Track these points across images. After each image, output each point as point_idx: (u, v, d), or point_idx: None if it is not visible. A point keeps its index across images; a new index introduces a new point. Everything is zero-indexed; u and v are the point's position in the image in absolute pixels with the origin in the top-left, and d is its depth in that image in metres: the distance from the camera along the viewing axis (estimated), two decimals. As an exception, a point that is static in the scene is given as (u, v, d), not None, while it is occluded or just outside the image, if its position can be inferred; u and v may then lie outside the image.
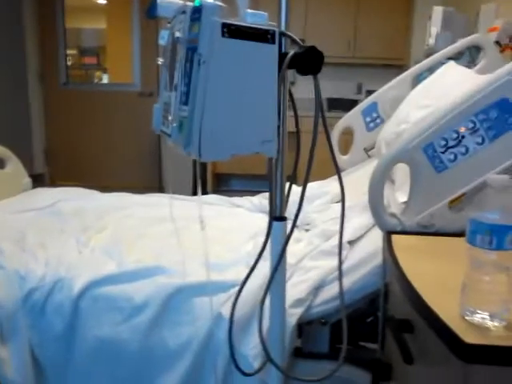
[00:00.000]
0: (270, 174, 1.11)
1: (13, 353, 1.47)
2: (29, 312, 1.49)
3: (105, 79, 6.29)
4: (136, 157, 5.65)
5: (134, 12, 5.44)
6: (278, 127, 1.07)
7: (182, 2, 1.10)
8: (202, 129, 0.96)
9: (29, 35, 5.45)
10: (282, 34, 1.04)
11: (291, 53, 1.03)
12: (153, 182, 5.48)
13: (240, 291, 1.17)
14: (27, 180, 2.55)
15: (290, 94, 1.16)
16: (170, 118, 1.09)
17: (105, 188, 2.57)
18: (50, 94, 5.65)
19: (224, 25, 0.94)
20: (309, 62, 1.03)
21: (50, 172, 5.82)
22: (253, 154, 1.06)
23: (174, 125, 1.04)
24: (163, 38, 1.20)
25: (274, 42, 0.99)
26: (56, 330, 1.47)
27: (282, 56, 1.03)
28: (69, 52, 5.82)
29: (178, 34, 1.04)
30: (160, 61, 1.24)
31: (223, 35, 0.94)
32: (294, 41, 1.05)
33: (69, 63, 5.83)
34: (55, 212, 2.09)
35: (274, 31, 0.99)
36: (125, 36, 5.56)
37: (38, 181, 5.20)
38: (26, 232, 1.83)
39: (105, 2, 6.30)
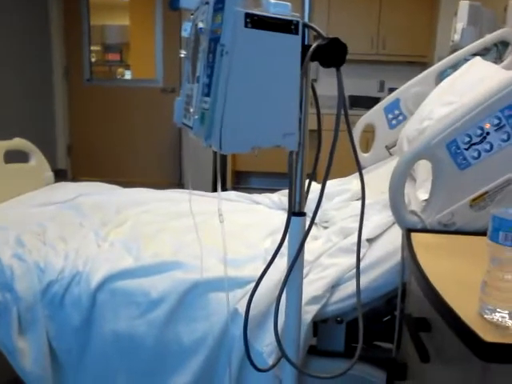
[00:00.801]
0: (290, 168, 1.10)
1: (31, 344, 1.48)
2: (48, 304, 1.50)
3: (127, 75, 6.34)
4: (157, 153, 5.69)
5: (156, 9, 5.47)
6: (300, 120, 1.06)
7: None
8: (223, 120, 0.95)
9: (54, 32, 5.54)
10: (305, 26, 1.03)
11: (314, 44, 1.02)
12: (173, 179, 5.52)
13: (256, 287, 1.17)
14: (50, 174, 2.57)
15: (313, 89, 1.15)
16: (191, 110, 1.09)
17: (126, 184, 2.58)
18: (74, 89, 5.73)
19: (247, 15, 0.93)
20: (332, 53, 1.01)
21: (72, 167, 5.89)
22: (272, 151, 1.06)
23: (196, 117, 1.04)
24: (186, 30, 1.20)
25: (297, 33, 0.98)
26: (74, 323, 1.48)
27: (305, 48, 1.02)
28: (93, 48, 5.89)
29: (200, 25, 1.04)
30: (183, 53, 1.23)
31: (246, 25, 0.93)
32: (317, 32, 1.04)
33: (93, 60, 5.89)
34: (76, 206, 2.10)
35: (298, 22, 0.98)
36: (148, 33, 5.60)
37: (60, 176, 5.26)
38: (47, 225, 1.84)
39: (128, -2, 6.35)
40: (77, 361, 1.50)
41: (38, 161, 2.49)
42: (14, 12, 4.87)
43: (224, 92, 0.94)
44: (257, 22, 0.94)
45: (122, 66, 6.44)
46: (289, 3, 0.99)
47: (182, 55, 1.22)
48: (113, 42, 6.47)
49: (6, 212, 2.06)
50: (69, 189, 2.39)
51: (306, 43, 1.04)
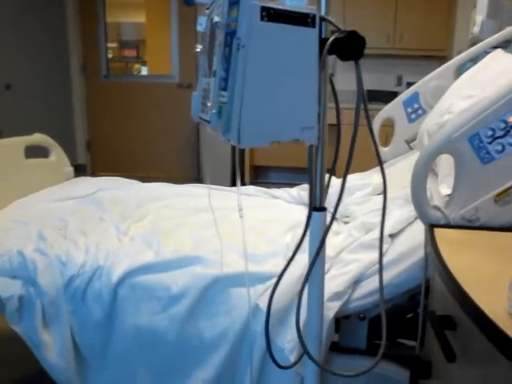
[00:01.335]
0: (309, 163, 1.08)
1: (55, 338, 1.50)
2: (70, 299, 1.51)
3: (144, 71, 6.37)
4: (175, 148, 5.71)
5: (172, 5, 5.48)
6: (318, 114, 1.04)
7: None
8: (241, 114, 0.94)
9: (71, 30, 5.59)
10: (321, 19, 1.01)
11: (332, 37, 1.00)
12: (191, 173, 5.53)
13: (277, 283, 1.15)
14: (69, 169, 2.59)
15: (331, 82, 1.13)
16: (208, 104, 1.07)
17: (144, 179, 2.59)
18: (92, 86, 5.77)
19: (263, 8, 0.91)
20: (350, 46, 1.00)
21: (91, 163, 5.94)
22: (290, 146, 1.04)
23: (213, 111, 1.02)
24: (201, 25, 1.18)
25: (314, 26, 0.96)
26: (95, 317, 1.49)
27: (322, 42, 1.00)
28: (109, 45, 5.92)
29: (216, 19, 1.02)
30: (198, 47, 1.22)
31: (262, 19, 0.92)
32: (334, 25, 1.02)
33: (109, 56, 5.93)
34: (96, 201, 2.11)
35: (314, 15, 0.96)
36: (163, 29, 5.61)
37: (79, 171, 5.31)
38: (68, 220, 1.85)
39: (144, -5, 6.36)
40: (99, 355, 1.51)
41: (57, 156, 2.50)
42: (32, 10, 4.91)
43: (241, 86, 0.93)
44: (273, 15, 0.93)
45: (139, 62, 6.47)
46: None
47: (198, 50, 1.21)
48: (129, 39, 6.49)
49: (27, 207, 2.08)
50: (88, 183, 2.40)
51: (322, 37, 1.02)
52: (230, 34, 0.96)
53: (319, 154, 1.10)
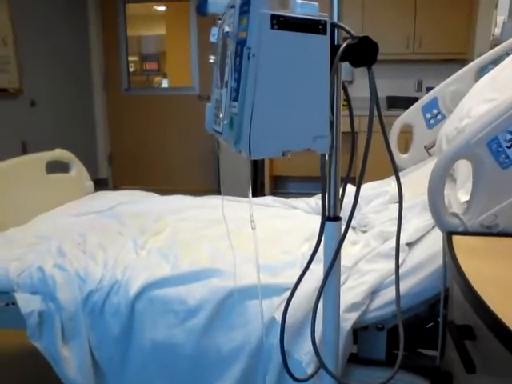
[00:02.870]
0: (322, 172, 1.07)
1: (74, 353, 1.50)
2: (88, 314, 1.52)
3: (165, 84, 6.43)
4: (196, 160, 5.74)
5: (191, 17, 5.53)
6: (332, 122, 1.03)
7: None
8: (252, 125, 0.93)
9: (93, 45, 5.70)
10: (333, 26, 1.00)
11: (344, 44, 0.99)
12: (212, 185, 5.55)
13: (292, 295, 1.14)
14: (90, 183, 2.62)
15: (344, 89, 1.11)
16: (221, 115, 1.07)
17: (166, 191, 2.60)
18: (113, 99, 5.85)
19: (273, 16, 0.91)
20: (363, 53, 0.98)
21: (113, 176, 6.00)
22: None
23: (225, 122, 1.02)
24: (214, 35, 1.18)
25: (325, 33, 0.95)
26: (114, 332, 1.49)
27: (334, 48, 0.99)
28: (131, 59, 6.00)
29: (227, 29, 1.02)
30: (212, 58, 1.22)
31: (272, 27, 0.91)
32: (346, 32, 1.01)
33: (131, 69, 6.01)
34: (115, 215, 2.13)
35: (326, 21, 0.95)
36: (183, 41, 5.67)
37: (101, 185, 5.40)
38: (87, 235, 1.87)
39: (164, 9, 6.44)
40: (118, 370, 1.51)
41: (78, 171, 2.54)
42: (55, 26, 5.02)
43: (252, 96, 0.92)
44: (283, 23, 0.92)
45: (160, 75, 6.54)
46: (316, 3, 0.97)
47: (212, 60, 1.21)
48: (150, 52, 6.58)
49: (48, 222, 2.10)
50: (108, 198, 2.43)
51: (336, 43, 1.02)
52: (241, 44, 0.96)
53: (333, 162, 1.08)
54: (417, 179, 1.93)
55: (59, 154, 2.47)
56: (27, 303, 1.52)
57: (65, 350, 1.50)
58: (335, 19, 1.05)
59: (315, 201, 2.20)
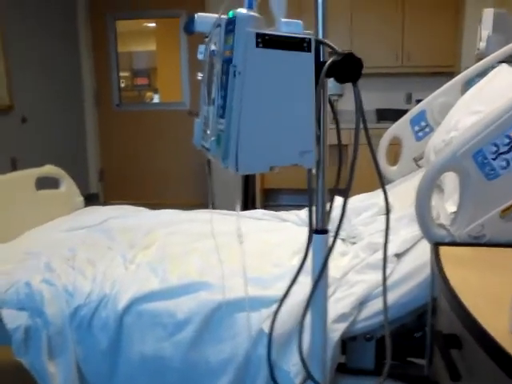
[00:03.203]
0: (309, 186, 1.09)
1: (61, 368, 1.50)
2: (76, 328, 1.52)
3: (156, 99, 6.46)
4: (187, 174, 5.75)
5: (181, 34, 5.58)
6: (318, 137, 1.05)
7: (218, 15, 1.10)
8: (238, 141, 0.95)
9: (84, 61, 5.72)
10: (319, 42, 1.02)
11: (329, 61, 1.01)
12: (203, 199, 5.55)
13: (279, 306, 1.15)
14: (80, 199, 2.62)
15: (331, 104, 1.13)
16: (208, 132, 1.09)
17: (157, 206, 2.60)
18: (105, 115, 5.87)
19: (258, 35, 0.93)
20: (347, 69, 1.00)
21: (104, 191, 6.00)
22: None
23: (213, 138, 1.04)
24: (201, 53, 1.20)
25: (310, 51, 0.97)
26: (102, 346, 1.49)
27: (320, 65, 1.01)
28: (122, 74, 6.03)
29: (213, 47, 1.04)
30: (199, 76, 1.24)
31: (257, 45, 0.93)
32: (331, 48, 1.03)
33: (122, 85, 6.03)
34: (104, 230, 2.13)
35: (310, 39, 0.97)
36: (174, 57, 5.71)
37: (92, 200, 5.39)
38: (77, 250, 1.87)
39: (154, 25, 6.49)
40: (107, 383, 1.50)
41: (68, 186, 2.54)
42: (46, 43, 5.03)
43: (238, 113, 0.94)
44: (268, 41, 0.94)
45: (151, 90, 6.57)
46: (300, 21, 0.99)
47: (199, 78, 1.23)
48: (141, 68, 6.61)
49: (38, 237, 2.10)
50: (98, 213, 2.43)
51: (321, 59, 1.03)
52: (227, 62, 0.98)
53: (320, 176, 1.10)
54: (405, 191, 1.95)
55: (49, 169, 2.47)
56: (13, 319, 1.52)
57: (51, 366, 1.50)
58: (320, 36, 1.07)
59: (306, 213, 2.21)
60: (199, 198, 5.59)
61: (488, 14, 2.77)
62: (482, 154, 1.22)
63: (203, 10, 4.90)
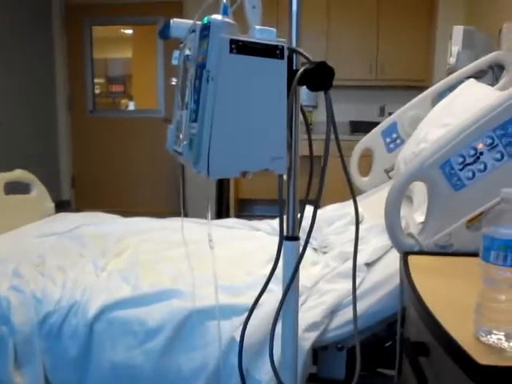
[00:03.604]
0: (279, 192, 1.09)
1: (27, 378, 1.46)
2: (45, 336, 1.49)
3: (131, 106, 6.42)
4: (161, 182, 5.71)
5: (158, 41, 5.56)
6: (290, 144, 1.05)
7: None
8: (210, 145, 0.95)
9: (58, 66, 5.67)
10: (292, 51, 1.03)
11: (302, 69, 1.02)
12: (177, 207, 5.51)
13: (250, 314, 1.15)
14: (51, 205, 2.58)
15: (303, 113, 1.14)
16: (181, 136, 1.09)
17: (130, 214, 2.57)
18: (78, 121, 5.81)
19: (232, 41, 0.93)
20: (319, 77, 1.01)
21: (76, 198, 5.92)
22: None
23: (185, 142, 1.04)
24: (176, 59, 1.20)
25: (282, 58, 0.98)
26: (71, 354, 1.46)
27: (293, 73, 1.02)
28: (97, 81, 5.98)
29: (187, 52, 1.05)
30: (173, 81, 1.24)
31: (231, 51, 0.94)
32: (304, 57, 1.04)
33: (97, 91, 5.98)
34: (75, 236, 2.10)
35: (283, 46, 0.98)
36: (150, 64, 5.69)
37: (64, 207, 5.31)
38: (46, 256, 1.84)
39: (131, 31, 6.46)
40: None
41: (38, 192, 2.50)
42: (19, 46, 4.97)
43: (210, 117, 0.94)
44: (241, 47, 0.94)
45: (126, 97, 6.52)
46: (274, 29, 1.00)
47: (173, 83, 1.23)
48: (116, 74, 6.57)
49: (6, 243, 2.06)
50: (69, 219, 2.39)
51: (294, 68, 1.04)
52: (201, 67, 0.98)
53: (291, 182, 1.11)
54: (376, 201, 1.97)
55: (19, 174, 2.43)
56: None
57: (17, 376, 1.46)
58: (294, 44, 1.08)
59: (278, 222, 2.21)
60: (173, 206, 5.56)
61: (458, 30, 2.85)
62: (450, 164, 1.24)
63: (181, 17, 4.89)
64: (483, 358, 0.72)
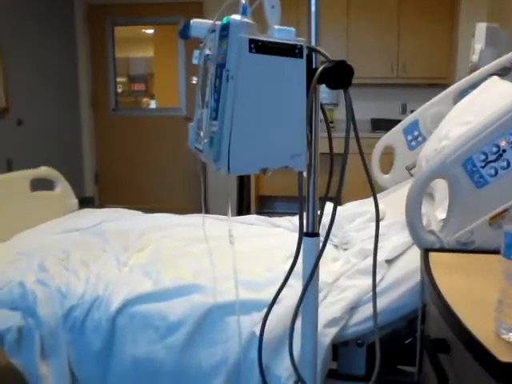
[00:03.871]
0: (299, 189, 1.10)
1: (53, 369, 1.50)
2: (69, 329, 1.52)
3: (152, 105, 6.48)
4: (182, 179, 5.75)
5: (179, 40, 5.60)
6: (310, 141, 1.06)
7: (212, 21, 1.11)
8: (230, 143, 0.96)
9: (81, 65, 5.74)
10: (311, 50, 1.04)
11: (321, 67, 1.02)
12: (198, 204, 5.54)
13: (269, 310, 1.16)
14: (74, 201, 2.62)
15: (323, 110, 1.15)
16: (201, 134, 1.10)
17: (152, 210, 2.60)
18: (100, 119, 5.88)
19: (251, 41, 0.95)
20: (339, 76, 1.02)
21: (99, 195, 6.00)
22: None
23: (205, 140, 1.05)
24: (196, 58, 1.22)
25: (301, 57, 0.99)
26: (94, 348, 1.49)
27: (313, 71, 1.03)
28: (119, 80, 6.05)
29: (207, 52, 1.06)
30: (194, 80, 1.26)
31: (250, 51, 0.95)
32: (323, 55, 1.05)
33: (119, 90, 6.05)
34: (98, 232, 2.13)
35: (302, 46, 0.99)
36: (171, 63, 5.73)
37: (87, 203, 5.38)
38: (70, 251, 1.87)
39: (152, 31, 6.52)
40: None
41: (63, 188, 2.54)
42: (44, 46, 5.06)
43: (230, 115, 0.95)
44: (261, 47, 0.96)
45: (147, 96, 6.59)
46: (293, 28, 1.01)
47: (194, 82, 1.24)
48: (138, 73, 6.64)
49: (32, 238, 2.10)
50: (92, 215, 2.43)
51: (314, 66, 1.05)
52: (221, 66, 0.99)
53: (311, 179, 1.11)
54: (397, 198, 1.97)
55: (44, 171, 2.48)
56: (5, 319, 1.52)
57: (43, 367, 1.49)
58: (313, 43, 1.09)
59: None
60: (194, 203, 5.59)
61: (481, 28, 2.81)
62: (472, 161, 1.24)
63: (201, 17, 4.92)
64: (504, 356, 0.72)
